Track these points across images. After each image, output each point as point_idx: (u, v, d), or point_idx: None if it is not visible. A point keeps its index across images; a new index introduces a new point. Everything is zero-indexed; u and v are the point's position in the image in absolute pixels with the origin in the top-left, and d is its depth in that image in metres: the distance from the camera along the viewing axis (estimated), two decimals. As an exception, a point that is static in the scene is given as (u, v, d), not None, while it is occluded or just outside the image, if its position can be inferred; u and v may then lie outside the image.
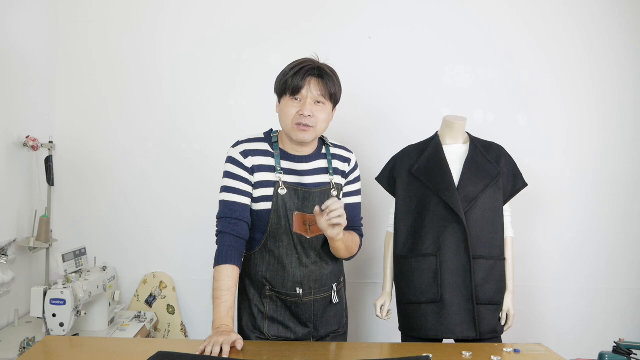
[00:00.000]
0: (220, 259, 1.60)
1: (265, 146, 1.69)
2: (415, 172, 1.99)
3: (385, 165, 2.13)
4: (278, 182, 1.65)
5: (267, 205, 1.65)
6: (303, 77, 1.60)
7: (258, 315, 1.71)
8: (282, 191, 1.64)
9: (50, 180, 2.43)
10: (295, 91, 1.61)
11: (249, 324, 1.72)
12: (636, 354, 1.59)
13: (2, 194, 2.19)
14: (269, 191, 1.65)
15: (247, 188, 1.66)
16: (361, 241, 1.81)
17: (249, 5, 2.61)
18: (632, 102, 2.65)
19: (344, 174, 1.77)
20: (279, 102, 1.68)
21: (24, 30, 2.33)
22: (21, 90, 2.32)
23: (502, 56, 2.63)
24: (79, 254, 2.19)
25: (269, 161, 1.67)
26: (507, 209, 2.00)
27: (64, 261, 2.07)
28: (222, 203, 1.66)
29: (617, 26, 2.63)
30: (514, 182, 2.01)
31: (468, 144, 2.03)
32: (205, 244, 2.64)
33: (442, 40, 2.63)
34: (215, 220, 1.68)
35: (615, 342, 1.61)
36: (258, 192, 1.66)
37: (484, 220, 1.92)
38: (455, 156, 2.00)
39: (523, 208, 2.47)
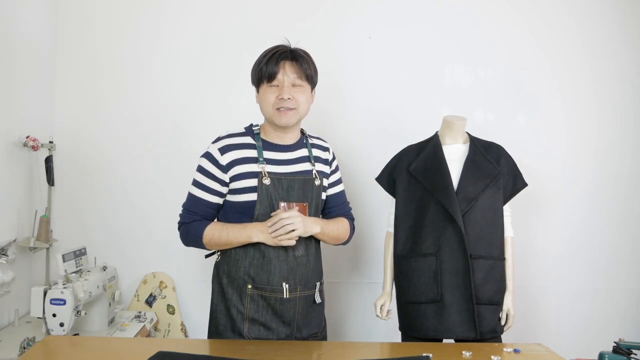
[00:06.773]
0: (192, 230, 1.68)
1: (247, 139, 1.69)
2: (413, 171, 1.99)
3: (385, 166, 2.13)
4: (261, 172, 1.63)
5: (252, 197, 1.64)
6: (277, 61, 1.62)
7: (237, 316, 1.66)
8: (266, 181, 1.63)
9: (50, 180, 2.43)
10: (271, 77, 1.63)
11: (227, 326, 1.68)
12: (636, 354, 1.59)
13: (2, 194, 2.19)
14: (253, 182, 1.63)
15: (217, 187, 1.66)
16: (353, 224, 1.86)
17: (249, 6, 2.60)
18: (632, 102, 2.65)
19: (327, 162, 1.79)
20: (258, 92, 1.70)
21: (24, 30, 2.33)
22: (21, 89, 2.32)
23: (502, 56, 2.63)
24: (79, 254, 2.19)
25: (251, 153, 1.66)
26: (507, 209, 2.00)
27: (64, 261, 2.07)
28: (191, 196, 1.72)
29: (617, 26, 2.63)
30: (514, 182, 2.01)
31: (468, 144, 2.03)
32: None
33: (442, 40, 2.62)
34: (181, 208, 1.73)
35: (615, 342, 1.61)
36: (241, 184, 1.64)
37: (483, 220, 1.92)
38: (455, 156, 2.00)
39: (523, 208, 2.47)
